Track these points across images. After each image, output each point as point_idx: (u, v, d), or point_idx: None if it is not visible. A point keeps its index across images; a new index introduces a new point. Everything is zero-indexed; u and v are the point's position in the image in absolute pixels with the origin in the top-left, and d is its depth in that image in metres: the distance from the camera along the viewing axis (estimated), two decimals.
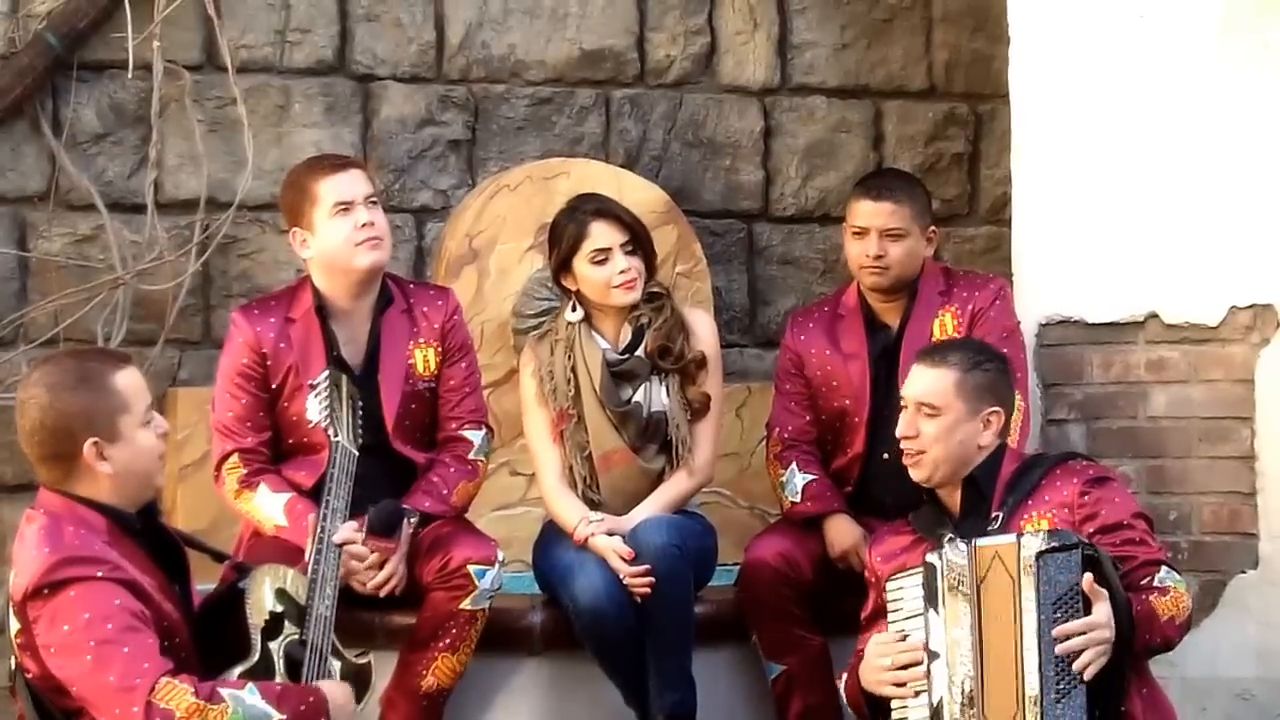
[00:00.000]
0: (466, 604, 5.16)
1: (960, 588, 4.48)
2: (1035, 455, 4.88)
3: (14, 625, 4.15)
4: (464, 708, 5.35)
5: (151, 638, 4.06)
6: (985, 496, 4.70)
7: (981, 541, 4.51)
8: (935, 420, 4.69)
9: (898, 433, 4.78)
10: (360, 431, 4.79)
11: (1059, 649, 4.37)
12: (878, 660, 4.63)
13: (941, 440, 4.69)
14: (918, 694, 4.55)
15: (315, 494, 5.15)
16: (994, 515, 4.66)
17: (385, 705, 5.25)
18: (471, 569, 5.15)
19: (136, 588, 4.09)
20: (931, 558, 4.55)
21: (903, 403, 4.80)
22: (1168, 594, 4.54)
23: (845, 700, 4.85)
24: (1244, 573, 5.57)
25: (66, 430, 4.14)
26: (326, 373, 4.86)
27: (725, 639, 5.50)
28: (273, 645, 4.28)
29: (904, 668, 4.59)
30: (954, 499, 4.75)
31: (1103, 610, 4.38)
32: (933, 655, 4.52)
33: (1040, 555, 4.39)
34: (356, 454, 4.77)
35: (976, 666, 4.44)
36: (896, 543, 4.81)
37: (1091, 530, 4.57)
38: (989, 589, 4.45)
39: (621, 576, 5.26)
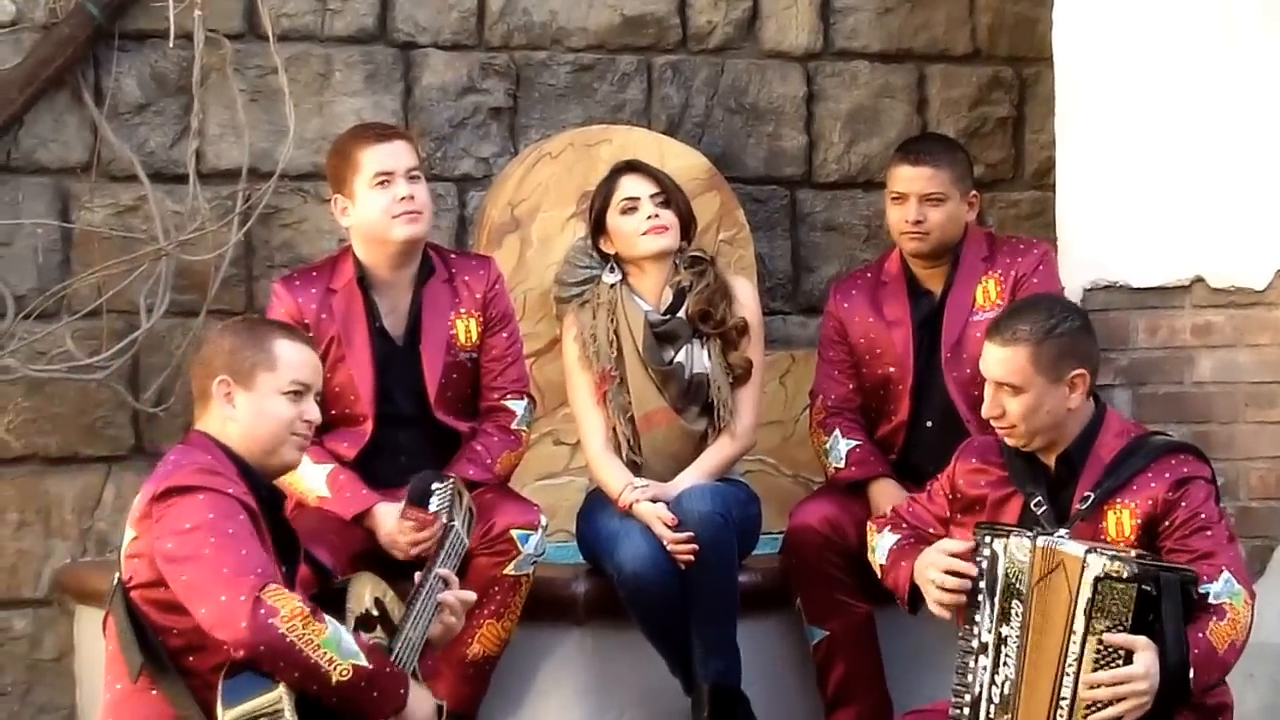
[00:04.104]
0: (510, 569, 5.16)
1: (1017, 584, 4.41)
2: (1142, 437, 4.69)
3: (129, 535, 4.22)
4: (509, 677, 5.35)
5: (269, 554, 4.14)
6: (1077, 469, 4.60)
7: (1044, 541, 4.41)
8: (1019, 398, 4.57)
9: (984, 413, 4.67)
10: (471, 531, 4.76)
11: (1085, 695, 4.29)
12: (931, 570, 4.57)
13: (1029, 416, 4.57)
14: (952, 612, 4.51)
15: (357, 465, 5.23)
16: (1086, 495, 4.56)
17: (430, 675, 5.24)
18: (515, 534, 5.16)
19: (258, 522, 4.17)
20: (997, 545, 4.46)
21: (985, 377, 4.66)
22: (1225, 617, 4.39)
23: (881, 577, 4.82)
24: None
25: (209, 363, 4.35)
26: (452, 479, 4.76)
27: (770, 608, 5.49)
28: (364, 636, 4.26)
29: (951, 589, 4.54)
30: (1050, 457, 4.65)
31: (1144, 660, 4.28)
32: (982, 647, 4.45)
33: (1099, 581, 4.29)
34: (468, 544, 4.71)
35: (1019, 671, 4.39)
36: (985, 471, 4.71)
37: (1166, 526, 4.49)
38: (1048, 592, 4.37)
39: (665, 544, 5.26)
